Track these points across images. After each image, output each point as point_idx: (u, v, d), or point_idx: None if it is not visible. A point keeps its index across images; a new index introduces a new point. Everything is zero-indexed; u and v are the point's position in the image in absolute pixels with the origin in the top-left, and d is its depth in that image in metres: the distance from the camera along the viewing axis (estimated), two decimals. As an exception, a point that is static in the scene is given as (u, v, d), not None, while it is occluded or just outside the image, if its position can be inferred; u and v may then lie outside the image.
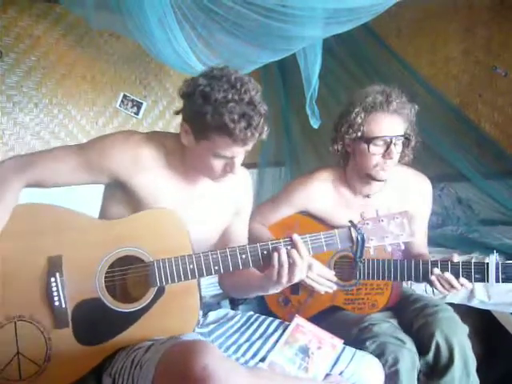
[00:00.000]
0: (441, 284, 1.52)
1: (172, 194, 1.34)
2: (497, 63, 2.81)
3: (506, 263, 1.51)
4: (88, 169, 1.29)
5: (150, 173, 1.31)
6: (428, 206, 1.77)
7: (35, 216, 1.27)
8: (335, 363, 1.30)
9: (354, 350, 1.34)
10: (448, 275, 1.49)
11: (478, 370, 1.52)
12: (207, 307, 1.51)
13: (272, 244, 1.26)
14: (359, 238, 1.27)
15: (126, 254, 1.26)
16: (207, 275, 1.26)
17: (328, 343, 1.32)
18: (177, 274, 1.25)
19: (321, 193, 1.73)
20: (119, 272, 1.27)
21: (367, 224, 1.30)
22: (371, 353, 1.40)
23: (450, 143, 2.75)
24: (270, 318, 1.44)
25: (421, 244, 1.76)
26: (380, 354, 1.42)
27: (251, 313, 1.48)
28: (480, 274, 1.50)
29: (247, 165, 1.45)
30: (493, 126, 2.88)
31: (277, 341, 1.33)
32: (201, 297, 1.31)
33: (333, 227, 1.70)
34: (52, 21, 3.01)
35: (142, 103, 3.39)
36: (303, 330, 1.34)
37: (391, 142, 1.55)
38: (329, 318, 1.61)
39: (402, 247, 1.33)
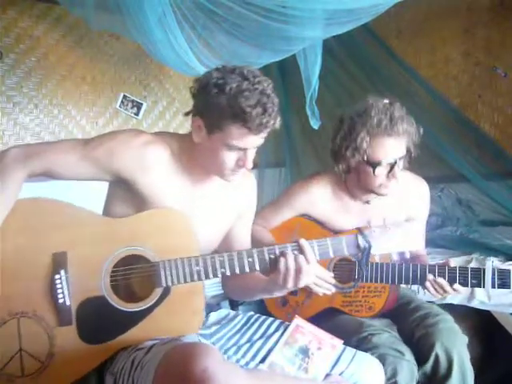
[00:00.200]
0: (434, 288, 1.55)
1: (176, 194, 1.33)
2: (497, 64, 2.81)
3: (502, 269, 1.52)
4: (94, 165, 1.28)
5: (155, 173, 1.30)
6: (426, 208, 1.80)
7: (39, 211, 1.26)
8: (336, 363, 1.30)
9: (354, 350, 1.34)
10: (441, 280, 1.52)
11: (478, 370, 1.53)
12: (208, 308, 1.50)
13: (279, 248, 1.26)
14: (366, 246, 1.28)
15: (132, 253, 1.25)
16: (213, 277, 1.26)
17: (328, 344, 1.32)
18: (183, 276, 1.24)
19: (321, 197, 1.74)
20: (125, 271, 1.26)
21: (374, 231, 1.30)
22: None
23: (449, 144, 2.74)
24: (271, 319, 1.44)
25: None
26: None
27: (252, 313, 1.48)
28: (476, 279, 1.52)
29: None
30: (493, 127, 2.87)
31: (277, 341, 1.33)
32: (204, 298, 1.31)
33: (333, 230, 1.72)
34: (52, 22, 3.02)
35: (141, 104, 3.39)
36: (303, 330, 1.34)
37: (395, 163, 1.57)
38: (327, 322, 1.61)
39: (408, 256, 1.35)
